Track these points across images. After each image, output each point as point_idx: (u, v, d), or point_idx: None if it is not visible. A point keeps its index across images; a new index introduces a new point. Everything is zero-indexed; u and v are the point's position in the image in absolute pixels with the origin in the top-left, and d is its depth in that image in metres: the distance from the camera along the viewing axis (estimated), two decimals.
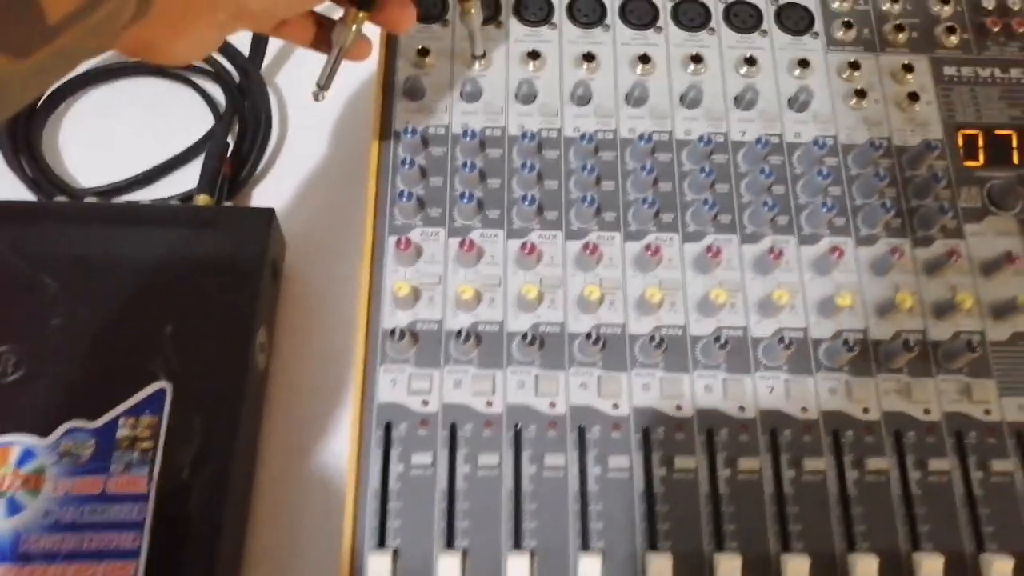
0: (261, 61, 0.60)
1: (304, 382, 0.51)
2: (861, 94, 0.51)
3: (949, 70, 0.52)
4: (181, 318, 0.48)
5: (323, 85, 0.43)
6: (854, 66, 0.52)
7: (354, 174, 0.54)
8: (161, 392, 0.45)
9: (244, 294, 0.49)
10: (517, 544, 0.41)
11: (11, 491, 0.42)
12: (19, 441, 0.43)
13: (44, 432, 0.44)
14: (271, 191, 0.58)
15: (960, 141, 0.51)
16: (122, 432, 0.44)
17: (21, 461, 0.43)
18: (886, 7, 0.54)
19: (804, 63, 0.52)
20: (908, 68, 0.52)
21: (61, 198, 0.54)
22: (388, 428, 0.43)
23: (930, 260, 0.47)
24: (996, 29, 0.53)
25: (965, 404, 0.44)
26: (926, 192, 0.49)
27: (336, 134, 0.59)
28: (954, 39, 0.53)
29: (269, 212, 0.52)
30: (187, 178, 0.56)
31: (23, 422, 0.44)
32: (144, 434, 0.44)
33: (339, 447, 0.48)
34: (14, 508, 0.41)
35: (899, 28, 0.53)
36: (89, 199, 0.54)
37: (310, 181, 0.58)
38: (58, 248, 0.49)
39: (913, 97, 0.51)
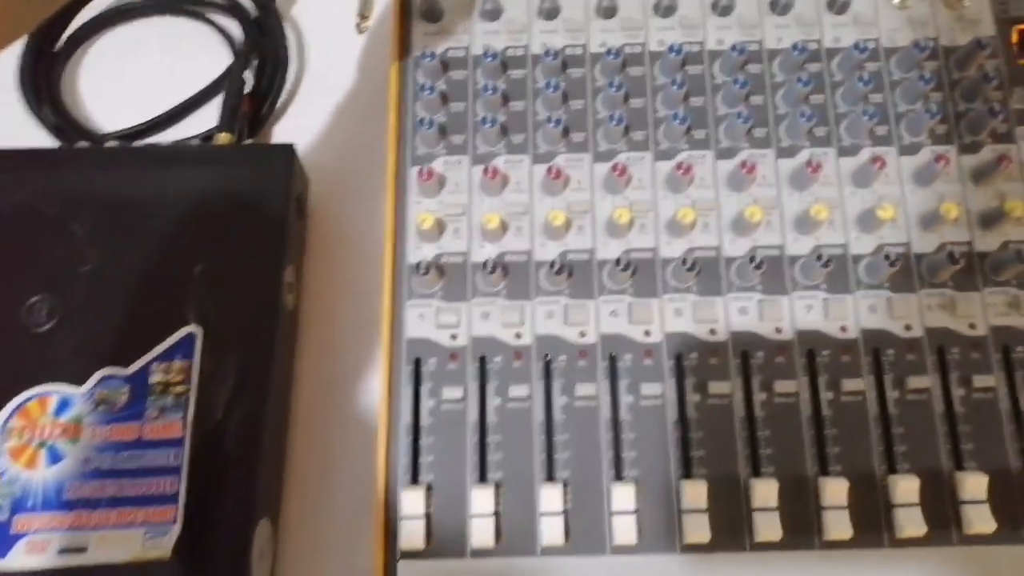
0: None
1: (334, 318, 0.51)
2: None
3: None
4: (208, 260, 0.47)
5: (365, 14, 0.41)
6: None
7: (376, 104, 0.52)
8: (191, 336, 0.45)
9: (269, 233, 0.49)
10: (550, 476, 0.40)
11: (51, 440, 0.43)
12: (56, 391, 0.44)
13: (79, 381, 0.44)
14: (293, 126, 0.56)
15: (1015, 37, 0.47)
16: (155, 378, 0.45)
17: (59, 410, 0.43)
18: None
19: None
20: None
21: (83, 143, 0.53)
22: (418, 363, 0.43)
23: (978, 167, 0.45)
24: None
25: (1014, 317, 0.42)
26: (975, 94, 0.46)
27: (356, 64, 0.57)
28: None
29: (289, 148, 0.51)
30: (209, 117, 0.55)
31: (58, 371, 0.45)
32: (177, 379, 0.45)
33: (372, 383, 0.48)
34: (55, 457, 0.42)
35: None
36: (111, 143, 0.53)
37: (332, 114, 0.56)
38: (83, 194, 0.48)
39: None
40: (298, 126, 0.56)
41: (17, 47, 0.57)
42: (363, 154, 0.54)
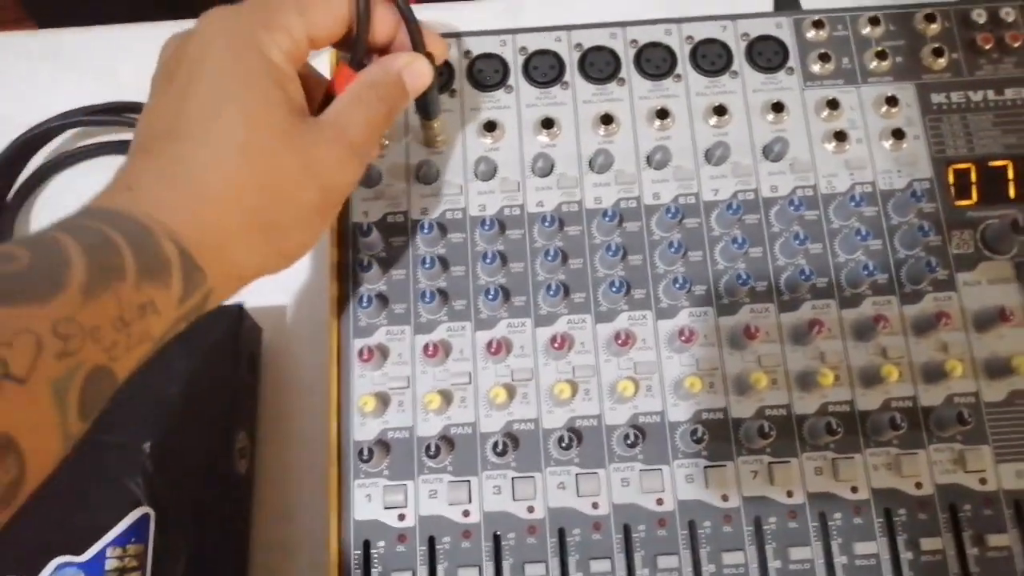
0: None
1: (289, 475, 0.51)
2: (841, 136, 0.47)
3: (938, 97, 0.48)
4: (157, 433, 0.47)
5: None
6: (832, 104, 0.48)
7: (323, 245, 0.52)
8: (145, 517, 0.46)
9: (220, 401, 0.49)
10: None
11: None
12: None
13: (33, 570, 0.44)
14: None
15: (951, 178, 0.47)
16: (110, 564, 0.45)
17: None
18: (866, 31, 0.50)
19: (778, 106, 0.48)
20: (892, 101, 0.48)
21: None
22: (367, 546, 0.43)
23: (920, 318, 0.45)
24: (988, 46, 0.48)
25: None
26: (914, 243, 0.46)
27: None
28: (942, 61, 0.49)
29: (238, 309, 0.51)
30: None
31: (11, 562, 0.45)
32: (131, 564, 0.45)
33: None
34: None
35: (882, 55, 0.49)
36: None
37: None
38: None
39: (898, 134, 0.47)
40: None
41: None
42: (314, 293, 0.54)
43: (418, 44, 0.40)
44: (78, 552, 0.45)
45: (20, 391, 0.26)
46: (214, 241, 0.33)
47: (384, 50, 0.41)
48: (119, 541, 0.45)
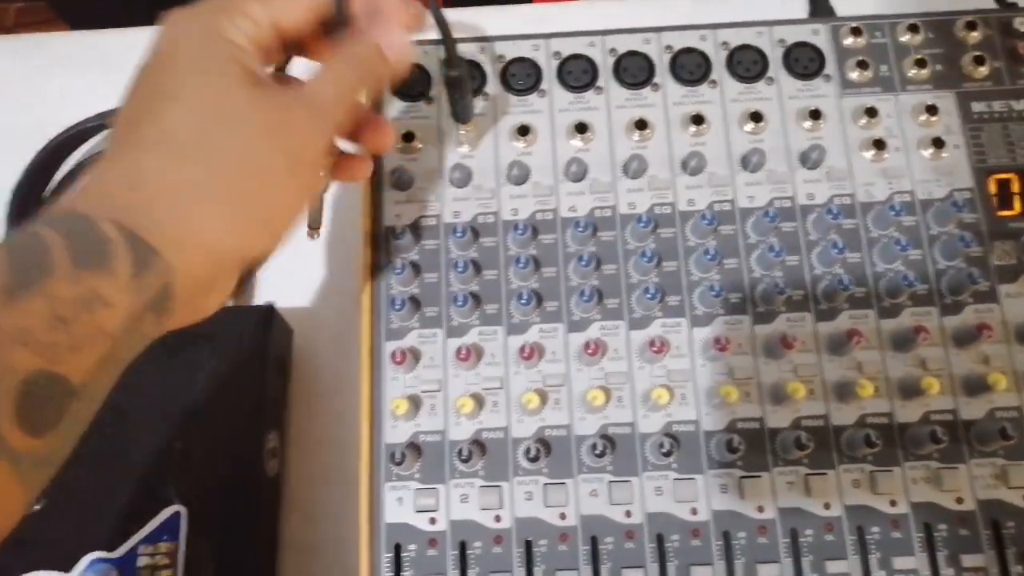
0: None
1: (318, 477, 0.51)
2: (879, 144, 0.47)
3: (978, 106, 0.48)
4: (189, 433, 0.48)
5: (315, 225, 0.44)
6: (871, 112, 0.47)
7: (356, 248, 0.53)
8: (176, 516, 0.46)
9: (250, 401, 0.49)
10: None
11: None
12: None
13: (67, 566, 0.45)
14: (274, 272, 0.57)
15: (992, 188, 0.46)
16: (142, 561, 0.45)
17: None
18: (905, 39, 0.49)
19: (816, 113, 0.48)
20: (932, 109, 0.47)
21: None
22: (398, 549, 0.43)
23: (961, 330, 0.44)
24: None
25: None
26: (954, 253, 0.45)
27: (335, 209, 0.57)
28: (983, 69, 0.48)
29: (269, 310, 0.51)
30: None
31: (46, 556, 0.45)
32: (163, 562, 0.45)
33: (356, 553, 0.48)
34: None
35: (921, 63, 0.48)
36: None
37: (312, 256, 0.57)
38: None
39: (938, 143, 0.47)
40: (280, 271, 0.56)
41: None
42: (345, 295, 0.54)
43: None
44: (111, 549, 0.45)
45: None
46: (164, 215, 0.31)
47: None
48: (151, 539, 0.45)
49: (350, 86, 0.37)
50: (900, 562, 0.41)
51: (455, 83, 0.44)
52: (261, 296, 0.56)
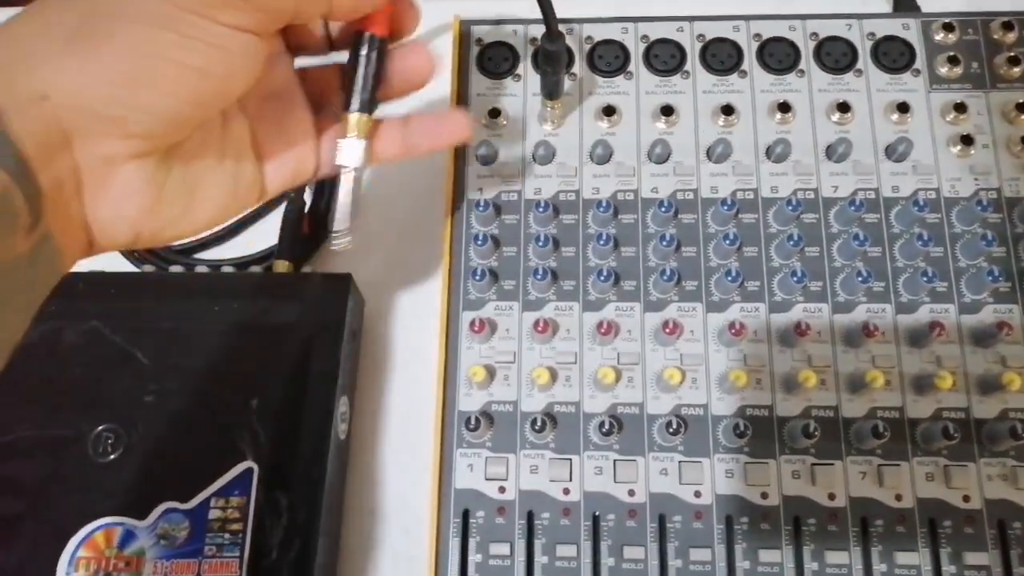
0: None
1: (386, 442, 0.52)
2: (967, 140, 0.47)
3: None
4: (264, 391, 0.49)
5: (342, 229, 0.39)
6: (960, 108, 0.47)
7: (431, 217, 0.53)
8: (249, 472, 0.47)
9: (324, 364, 0.50)
10: None
11: (115, 573, 0.44)
12: (121, 523, 0.46)
13: (142, 513, 0.46)
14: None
15: None
16: (214, 513, 0.46)
17: (123, 543, 0.45)
18: (998, 36, 0.49)
19: (904, 107, 0.48)
20: (1023, 107, 0.47)
21: (148, 267, 0.55)
22: (466, 516, 0.43)
23: None
24: None
25: None
26: None
27: (414, 176, 0.58)
28: None
29: (346, 278, 0.52)
30: (271, 229, 0.56)
31: (122, 502, 0.46)
32: (234, 515, 0.46)
33: (419, 515, 0.49)
34: None
35: (1014, 60, 0.48)
36: (175, 268, 0.55)
37: (389, 228, 0.58)
38: (148, 322, 0.50)
39: None
40: (356, 240, 0.57)
41: None
42: (418, 270, 0.55)
43: None
44: (184, 500, 0.46)
45: None
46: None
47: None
48: (223, 492, 0.46)
49: None
50: (902, 557, 0.41)
51: (551, 57, 0.44)
52: (333, 265, 0.57)
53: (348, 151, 0.37)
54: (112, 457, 0.47)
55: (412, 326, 0.54)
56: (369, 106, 0.37)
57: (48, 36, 0.28)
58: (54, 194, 0.29)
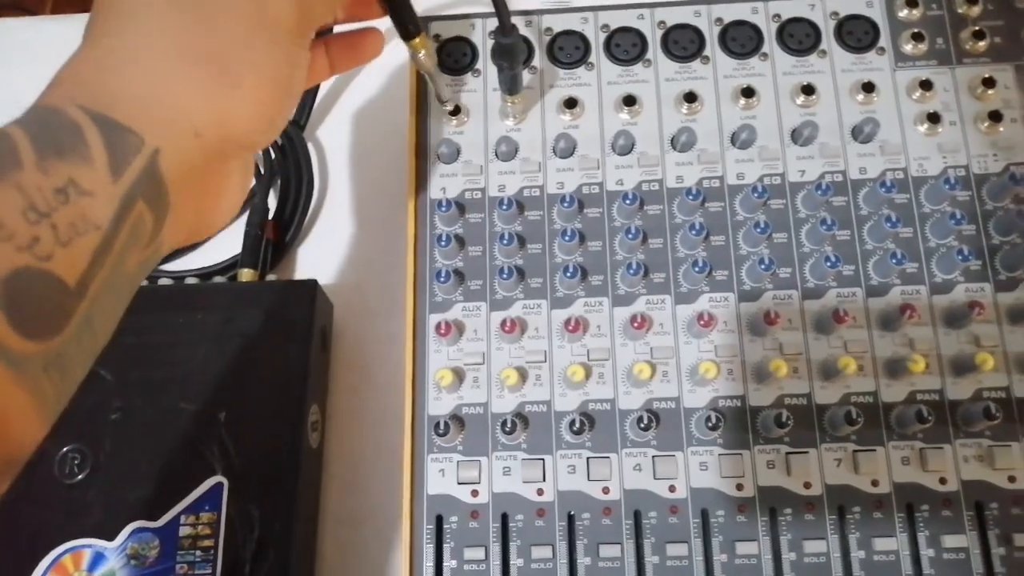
0: (306, 121, 0.58)
1: (359, 450, 0.51)
2: (934, 118, 0.46)
3: None
4: (232, 404, 0.48)
5: (444, 96, 0.46)
6: (925, 85, 0.46)
7: (397, 221, 0.52)
8: (219, 487, 0.46)
9: (293, 373, 0.49)
10: None
11: None
12: (89, 545, 0.45)
13: (111, 534, 0.45)
14: (316, 248, 0.57)
15: None
16: (184, 531, 0.45)
17: (92, 565, 0.44)
18: (962, 10, 0.48)
19: (869, 86, 0.47)
20: (989, 82, 0.46)
21: None
22: (439, 521, 0.43)
23: (1016, 306, 0.43)
24: None
25: None
26: (1010, 228, 0.44)
27: (377, 183, 0.57)
28: None
29: (312, 285, 0.51)
30: (233, 238, 0.55)
31: (90, 524, 0.45)
32: (204, 532, 0.45)
33: (396, 522, 0.48)
34: None
35: (979, 34, 0.47)
36: None
37: (355, 233, 0.57)
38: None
39: (995, 116, 0.46)
40: (321, 246, 0.57)
41: None
42: (385, 271, 0.54)
43: None
44: (153, 518, 0.45)
45: None
46: (138, 91, 0.29)
47: None
48: (193, 509, 0.46)
49: None
50: (881, 543, 0.40)
51: (507, 51, 0.43)
52: (300, 270, 0.56)
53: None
54: (79, 478, 0.46)
55: (382, 329, 0.54)
56: None
57: (183, 59, 0.30)
58: (178, 206, 0.30)
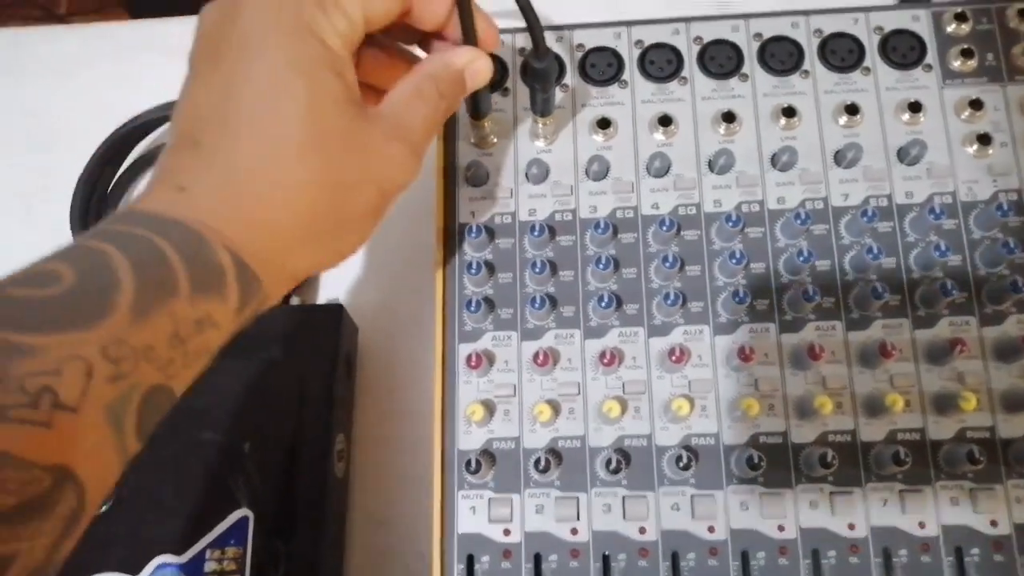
0: None
1: (386, 478, 0.50)
2: (984, 139, 0.44)
3: None
4: (257, 434, 0.47)
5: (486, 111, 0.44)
6: (975, 104, 0.44)
7: (424, 244, 0.51)
8: (244, 520, 0.45)
9: (319, 402, 0.48)
10: None
11: None
12: None
13: (135, 568, 0.44)
14: (339, 268, 0.55)
15: None
16: (210, 566, 0.44)
17: None
18: (1014, 24, 0.46)
19: (916, 106, 0.45)
20: None
21: None
22: (471, 561, 0.41)
23: None
24: None
25: None
26: None
27: (402, 203, 0.55)
28: None
29: (338, 309, 0.50)
30: None
31: (114, 558, 0.45)
32: (230, 567, 0.44)
33: (427, 558, 0.47)
34: None
35: None
36: None
37: (379, 254, 0.55)
38: None
39: None
40: (345, 267, 0.55)
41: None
42: (410, 292, 0.53)
43: (470, 31, 0.37)
44: (179, 553, 0.45)
45: (73, 420, 0.24)
46: (270, 247, 0.31)
47: (434, 34, 0.38)
48: (218, 543, 0.45)
49: (438, 115, 0.36)
50: None
51: (540, 75, 0.41)
52: (324, 293, 0.55)
53: None
54: (103, 510, 0.45)
55: (407, 353, 0.52)
56: None
57: (309, 237, 0.33)
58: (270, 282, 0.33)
